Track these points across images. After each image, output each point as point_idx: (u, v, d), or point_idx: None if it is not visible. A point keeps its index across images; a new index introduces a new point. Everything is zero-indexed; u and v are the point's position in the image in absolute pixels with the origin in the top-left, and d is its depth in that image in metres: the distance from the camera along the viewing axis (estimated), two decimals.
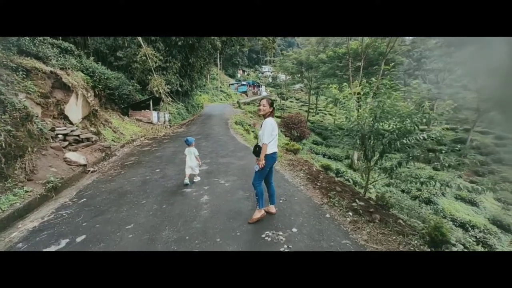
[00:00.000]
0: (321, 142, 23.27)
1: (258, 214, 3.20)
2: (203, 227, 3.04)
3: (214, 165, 5.97)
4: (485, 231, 10.39)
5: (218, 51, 22.39)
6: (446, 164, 3.40)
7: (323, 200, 3.75)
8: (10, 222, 3.50)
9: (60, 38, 9.14)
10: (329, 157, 17.99)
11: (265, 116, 3.08)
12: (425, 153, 3.79)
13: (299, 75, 38.09)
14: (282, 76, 54.34)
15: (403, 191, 13.15)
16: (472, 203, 14.60)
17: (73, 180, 5.38)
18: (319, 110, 42.60)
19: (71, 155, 5.85)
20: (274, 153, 3.07)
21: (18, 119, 4.95)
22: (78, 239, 2.91)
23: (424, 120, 3.51)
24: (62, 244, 2.83)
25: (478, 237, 9.78)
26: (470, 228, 10.60)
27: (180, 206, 3.65)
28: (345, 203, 3.49)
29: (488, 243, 9.45)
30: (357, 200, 3.39)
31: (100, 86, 10.31)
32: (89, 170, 5.99)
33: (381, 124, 3.83)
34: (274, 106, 3.14)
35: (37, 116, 5.87)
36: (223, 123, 15.31)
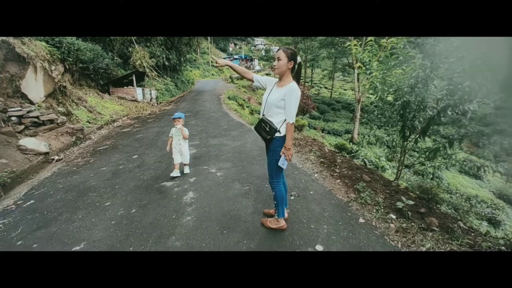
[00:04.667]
0: (319, 116, 22.30)
1: (274, 224, 2.24)
2: (184, 246, 2.07)
3: (203, 148, 4.94)
4: (493, 206, 9.93)
5: None
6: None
7: (349, 195, 2.78)
8: None
9: None
10: (328, 132, 17.20)
11: (282, 77, 1.97)
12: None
13: (293, 46, 36.14)
14: (275, 49, 51.79)
15: (407, 166, 12.45)
16: (476, 176, 14.29)
17: (30, 173, 4.34)
18: (314, 83, 41.14)
19: (27, 142, 4.74)
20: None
21: None
22: None
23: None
24: None
25: (486, 213, 9.27)
26: (478, 204, 10.15)
27: (155, 210, 2.66)
28: (382, 200, 2.55)
29: (497, 219, 8.93)
30: (402, 197, 2.44)
31: (70, 59, 8.89)
32: (52, 159, 4.93)
33: (425, 87, 2.80)
34: (298, 62, 1.96)
35: None
36: (215, 98, 14.05)
